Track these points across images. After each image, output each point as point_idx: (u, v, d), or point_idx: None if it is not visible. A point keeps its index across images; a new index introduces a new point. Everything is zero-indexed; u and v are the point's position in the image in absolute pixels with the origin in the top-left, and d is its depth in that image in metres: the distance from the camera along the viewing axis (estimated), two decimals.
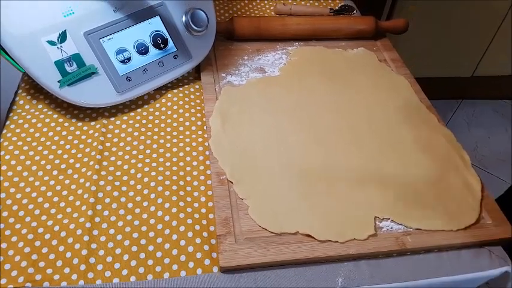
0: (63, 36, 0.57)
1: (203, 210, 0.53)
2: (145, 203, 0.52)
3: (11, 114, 0.61)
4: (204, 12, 0.66)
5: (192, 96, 0.67)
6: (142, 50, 0.63)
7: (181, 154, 0.58)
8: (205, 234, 0.50)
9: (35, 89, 0.64)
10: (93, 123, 0.61)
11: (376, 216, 0.52)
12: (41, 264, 0.46)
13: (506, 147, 1.67)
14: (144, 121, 0.62)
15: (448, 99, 1.84)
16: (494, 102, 1.83)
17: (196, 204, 0.53)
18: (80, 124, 0.61)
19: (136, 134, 0.60)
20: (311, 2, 0.89)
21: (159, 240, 0.49)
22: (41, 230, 0.49)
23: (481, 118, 1.75)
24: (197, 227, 0.50)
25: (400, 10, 1.45)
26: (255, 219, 0.51)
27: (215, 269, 0.47)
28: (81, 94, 0.59)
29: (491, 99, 1.83)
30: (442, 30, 1.58)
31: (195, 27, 0.66)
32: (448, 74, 1.77)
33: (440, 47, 1.64)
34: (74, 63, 0.58)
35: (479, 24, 1.58)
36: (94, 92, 0.60)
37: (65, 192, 0.52)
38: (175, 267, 0.47)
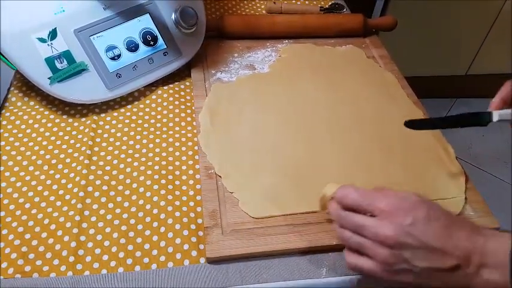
0: (53, 34, 0.58)
1: (191, 204, 0.53)
2: (134, 197, 0.53)
3: (3, 111, 0.62)
4: (194, 9, 0.67)
5: (182, 93, 0.68)
6: (132, 47, 0.64)
7: (170, 149, 0.59)
8: (193, 226, 0.51)
9: (26, 86, 0.65)
10: (83, 119, 0.62)
11: None
12: (31, 256, 0.47)
13: (499, 146, 1.68)
14: (134, 117, 0.63)
15: (442, 97, 1.85)
16: (488, 101, 1.84)
17: (184, 198, 0.54)
18: (70, 120, 0.61)
19: (126, 129, 0.61)
20: (302, 0, 0.90)
21: (147, 232, 0.50)
22: (31, 223, 0.49)
23: None
24: (185, 220, 0.51)
25: (393, 7, 1.47)
26: (246, 211, 0.51)
27: (202, 260, 0.48)
28: (71, 91, 0.60)
29: (485, 97, 1.83)
30: (436, 29, 1.59)
31: (184, 25, 0.67)
32: (442, 73, 1.78)
33: (434, 46, 1.65)
34: (65, 60, 0.59)
35: (472, 22, 1.59)
36: (84, 89, 0.61)
37: (55, 187, 0.53)
38: (162, 258, 0.48)
